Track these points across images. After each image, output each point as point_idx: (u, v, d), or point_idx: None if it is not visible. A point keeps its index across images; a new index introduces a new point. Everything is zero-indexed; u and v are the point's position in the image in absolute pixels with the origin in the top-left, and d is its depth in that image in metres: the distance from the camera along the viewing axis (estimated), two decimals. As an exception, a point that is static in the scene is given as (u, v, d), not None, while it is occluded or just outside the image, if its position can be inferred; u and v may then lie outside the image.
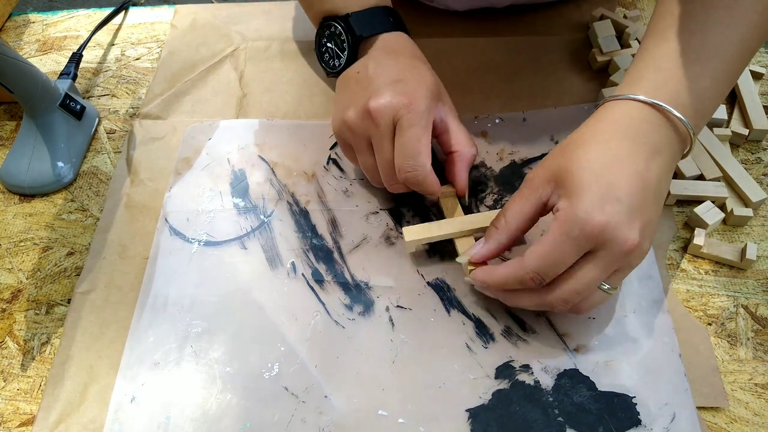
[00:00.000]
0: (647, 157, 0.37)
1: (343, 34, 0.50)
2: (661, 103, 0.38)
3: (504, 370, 0.41)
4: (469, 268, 0.41)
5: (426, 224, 0.44)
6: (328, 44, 0.52)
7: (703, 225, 0.46)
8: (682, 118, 0.38)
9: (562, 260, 0.36)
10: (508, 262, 0.39)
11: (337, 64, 0.52)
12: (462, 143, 0.45)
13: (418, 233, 0.44)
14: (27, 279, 0.47)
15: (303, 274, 0.46)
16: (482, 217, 0.45)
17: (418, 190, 0.44)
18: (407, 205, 0.49)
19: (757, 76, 0.54)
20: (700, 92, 0.39)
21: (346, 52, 0.50)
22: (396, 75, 0.44)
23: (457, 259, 0.42)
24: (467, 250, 0.42)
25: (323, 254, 0.46)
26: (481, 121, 0.53)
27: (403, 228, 0.44)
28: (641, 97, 0.38)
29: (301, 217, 0.49)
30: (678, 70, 0.39)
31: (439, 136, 0.46)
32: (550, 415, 0.39)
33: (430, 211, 0.48)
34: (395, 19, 0.50)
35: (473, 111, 0.54)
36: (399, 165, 0.42)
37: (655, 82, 0.39)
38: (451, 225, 0.44)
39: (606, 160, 0.37)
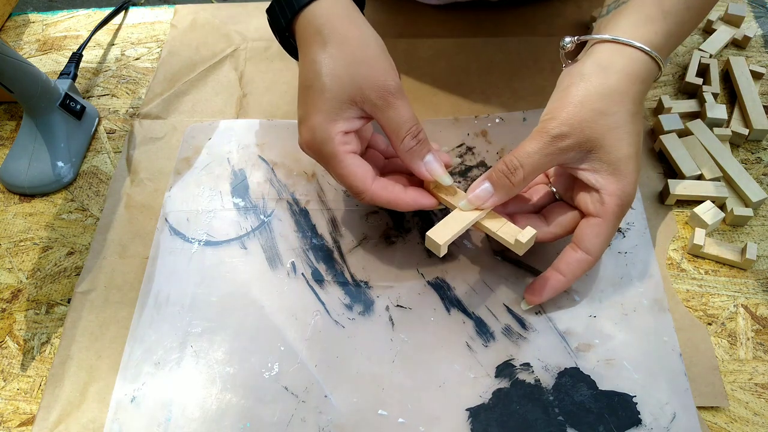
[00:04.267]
0: (641, 110, 0.40)
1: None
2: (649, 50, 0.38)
3: (504, 369, 0.41)
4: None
5: (444, 221, 0.41)
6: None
7: (703, 225, 0.46)
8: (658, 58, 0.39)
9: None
10: (578, 259, 0.40)
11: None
12: (401, 129, 0.40)
13: (445, 233, 0.40)
14: (27, 279, 0.47)
15: (303, 274, 0.46)
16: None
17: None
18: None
19: (757, 76, 0.54)
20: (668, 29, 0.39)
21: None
22: (300, 99, 0.41)
23: (460, 204, 0.41)
24: (471, 195, 0.40)
25: (323, 254, 0.46)
26: (481, 121, 0.53)
27: (428, 233, 0.40)
28: (637, 44, 0.38)
29: (301, 217, 0.49)
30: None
31: (382, 129, 0.41)
32: (551, 414, 0.39)
33: (430, 211, 0.48)
34: None
35: (473, 111, 0.54)
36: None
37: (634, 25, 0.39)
38: (471, 211, 0.41)
39: (635, 131, 0.39)
